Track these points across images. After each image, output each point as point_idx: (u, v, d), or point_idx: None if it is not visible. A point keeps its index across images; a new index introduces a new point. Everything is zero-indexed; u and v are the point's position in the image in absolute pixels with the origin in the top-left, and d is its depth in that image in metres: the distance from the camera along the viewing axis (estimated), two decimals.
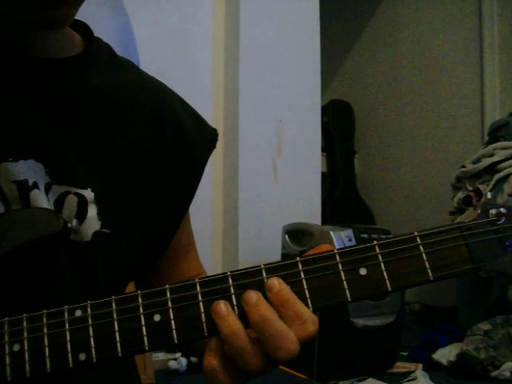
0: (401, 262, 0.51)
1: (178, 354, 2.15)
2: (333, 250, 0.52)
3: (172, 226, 0.74)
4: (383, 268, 0.51)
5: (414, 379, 2.03)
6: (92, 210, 0.62)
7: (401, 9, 3.83)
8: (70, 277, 0.61)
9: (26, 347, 0.50)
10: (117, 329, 0.50)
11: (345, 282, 0.51)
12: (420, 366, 2.20)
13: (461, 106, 3.42)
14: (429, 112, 3.60)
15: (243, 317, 0.50)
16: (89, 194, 0.62)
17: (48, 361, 0.50)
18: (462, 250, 0.51)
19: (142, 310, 0.51)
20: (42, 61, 0.64)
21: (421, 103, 3.67)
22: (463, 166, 2.67)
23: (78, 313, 0.51)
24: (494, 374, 2.03)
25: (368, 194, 4.06)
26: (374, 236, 2.17)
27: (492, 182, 2.47)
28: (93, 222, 0.62)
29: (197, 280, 0.51)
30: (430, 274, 0.51)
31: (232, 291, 0.51)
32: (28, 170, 0.59)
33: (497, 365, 2.05)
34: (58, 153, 0.62)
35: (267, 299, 0.50)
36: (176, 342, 0.50)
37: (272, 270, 0.51)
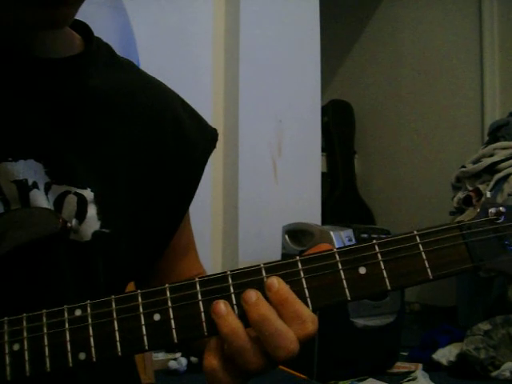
0: (400, 261, 0.51)
1: (178, 354, 2.14)
2: (332, 249, 0.52)
3: (172, 226, 0.74)
4: (383, 267, 0.51)
5: (413, 379, 2.03)
6: (92, 210, 0.62)
7: (401, 9, 3.83)
8: (69, 276, 0.61)
9: (25, 347, 0.50)
10: (116, 328, 0.50)
11: (344, 281, 0.51)
12: (420, 366, 2.20)
13: (461, 106, 3.42)
14: (429, 112, 3.60)
15: (243, 316, 0.50)
16: (88, 193, 0.62)
17: (48, 360, 0.50)
18: (462, 249, 0.51)
19: (141, 310, 0.51)
20: (42, 61, 0.64)
21: (421, 103, 3.67)
22: (463, 166, 2.67)
23: (78, 312, 0.51)
24: (494, 374, 2.03)
25: (368, 193, 4.06)
26: (374, 236, 2.17)
27: (492, 182, 2.47)
28: (92, 221, 0.62)
29: (196, 279, 0.51)
30: (430, 273, 0.51)
31: (232, 290, 0.51)
32: (28, 169, 0.59)
33: (497, 365, 2.05)
34: (57, 152, 0.62)
35: (267, 298, 0.50)
36: (176, 341, 0.50)
37: (271, 269, 0.51)
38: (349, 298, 0.51)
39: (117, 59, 0.74)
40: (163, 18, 2.50)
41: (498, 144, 2.59)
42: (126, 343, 0.50)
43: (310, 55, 2.76)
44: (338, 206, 3.95)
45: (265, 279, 0.51)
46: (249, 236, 2.55)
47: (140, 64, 1.85)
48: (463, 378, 2.07)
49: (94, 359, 0.50)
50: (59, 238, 0.58)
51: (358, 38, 4.18)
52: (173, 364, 2.09)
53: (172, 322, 0.50)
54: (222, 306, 0.50)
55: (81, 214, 0.62)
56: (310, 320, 0.50)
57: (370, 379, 2.07)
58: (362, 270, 0.51)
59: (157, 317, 0.51)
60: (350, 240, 2.08)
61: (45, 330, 0.50)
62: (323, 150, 3.52)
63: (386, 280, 0.51)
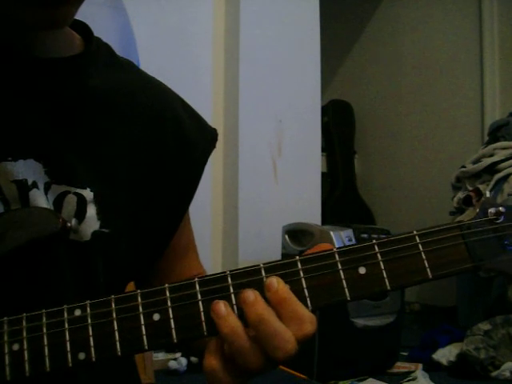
0: (400, 261, 0.51)
1: (178, 354, 2.14)
2: (332, 249, 0.52)
3: (172, 226, 0.74)
4: (382, 267, 0.51)
5: (413, 379, 2.03)
6: (91, 210, 0.62)
7: (401, 9, 3.83)
8: (69, 276, 0.61)
9: (25, 346, 0.50)
10: (116, 328, 0.50)
11: (344, 281, 0.51)
12: (420, 366, 2.20)
13: (461, 106, 3.42)
14: (429, 112, 3.60)
15: (242, 316, 0.50)
16: (88, 193, 0.62)
17: (47, 360, 0.50)
18: (461, 248, 0.51)
19: (141, 310, 0.51)
20: (42, 61, 0.64)
21: (421, 103, 3.67)
22: (463, 166, 2.67)
23: (78, 312, 0.51)
24: (494, 374, 2.03)
25: (368, 193, 4.06)
26: (374, 236, 2.17)
27: (492, 182, 2.47)
28: (92, 221, 0.62)
29: (196, 279, 0.51)
30: (429, 273, 0.51)
31: (231, 290, 0.51)
32: (27, 169, 0.59)
33: (497, 365, 2.05)
34: (57, 152, 0.62)
35: (266, 298, 0.50)
36: (175, 341, 0.50)
37: (271, 269, 0.51)
38: (348, 298, 0.51)
39: (117, 59, 0.74)
40: (163, 18, 2.50)
41: (498, 144, 2.59)
42: (125, 343, 0.50)
43: (309, 55, 2.76)
44: (337, 205, 3.95)
45: (264, 279, 0.51)
46: (249, 236, 2.55)
47: (140, 64, 1.85)
48: (463, 378, 2.07)
49: (94, 359, 0.50)
50: (59, 237, 0.58)
51: (358, 37, 4.18)
52: (173, 364, 2.09)
53: (171, 321, 0.50)
54: (221, 306, 0.50)
55: (80, 214, 0.62)
56: (308, 320, 0.50)
57: (370, 379, 2.07)
58: (362, 270, 0.51)
59: (156, 317, 0.51)
60: (350, 240, 2.08)
61: (44, 330, 0.50)
62: (323, 150, 3.52)
63: (386, 280, 0.51)
